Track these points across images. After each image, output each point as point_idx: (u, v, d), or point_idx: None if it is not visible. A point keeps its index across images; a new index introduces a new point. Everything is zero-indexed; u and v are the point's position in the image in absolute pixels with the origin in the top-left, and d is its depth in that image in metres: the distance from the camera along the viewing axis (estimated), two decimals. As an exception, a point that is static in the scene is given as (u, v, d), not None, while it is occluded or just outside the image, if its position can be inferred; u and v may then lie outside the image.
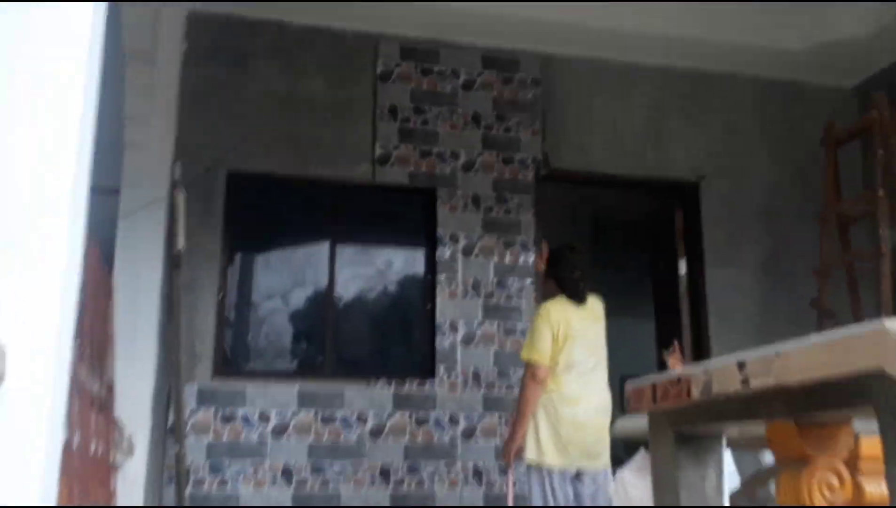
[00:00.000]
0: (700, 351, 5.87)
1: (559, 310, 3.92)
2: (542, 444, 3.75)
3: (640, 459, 3.74)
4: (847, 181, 5.49)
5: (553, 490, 3.72)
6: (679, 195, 6.20)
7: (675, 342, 4.62)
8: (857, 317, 5.28)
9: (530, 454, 3.77)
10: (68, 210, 1.36)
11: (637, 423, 3.08)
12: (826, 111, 6.26)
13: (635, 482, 3.67)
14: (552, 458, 3.73)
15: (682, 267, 6.12)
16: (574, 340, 3.86)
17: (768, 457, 3.51)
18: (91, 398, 2.66)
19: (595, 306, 4.09)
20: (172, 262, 5.31)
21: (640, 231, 7.08)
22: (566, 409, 3.78)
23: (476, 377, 5.46)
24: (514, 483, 4.25)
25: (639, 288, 10.93)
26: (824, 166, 5.48)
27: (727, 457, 2.47)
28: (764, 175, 6.23)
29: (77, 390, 2.36)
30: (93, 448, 2.83)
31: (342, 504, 5.09)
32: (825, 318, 5.31)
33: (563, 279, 4.00)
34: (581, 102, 6.08)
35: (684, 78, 6.25)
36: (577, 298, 3.97)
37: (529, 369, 3.84)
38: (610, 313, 4.16)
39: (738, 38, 5.99)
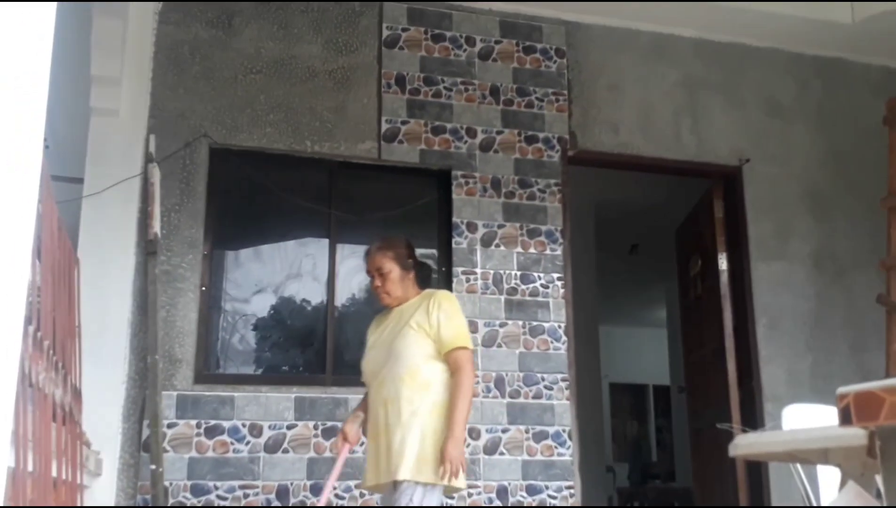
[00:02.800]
0: (745, 356, 5.22)
1: None
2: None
3: (850, 492, 2.92)
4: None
5: None
6: (719, 181, 5.56)
7: None
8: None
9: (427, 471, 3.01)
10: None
11: (762, 441, 2.37)
12: (876, 92, 5.71)
13: None
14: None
15: (723, 263, 5.46)
16: None
17: None
18: (53, 407, 1.91)
19: None
20: (147, 249, 4.58)
21: (664, 222, 6.44)
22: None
23: (499, 383, 4.75)
24: None
25: (650, 291, 10.24)
26: (889, 147, 4.88)
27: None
28: (811, 159, 5.63)
29: (31, 395, 1.63)
30: (54, 471, 2.08)
31: (346, 533, 4.33)
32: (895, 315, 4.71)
33: (422, 268, 3.49)
34: (610, 76, 5.43)
35: (722, 51, 5.64)
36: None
37: (468, 355, 3.12)
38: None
39: (780, 9, 5.42)
